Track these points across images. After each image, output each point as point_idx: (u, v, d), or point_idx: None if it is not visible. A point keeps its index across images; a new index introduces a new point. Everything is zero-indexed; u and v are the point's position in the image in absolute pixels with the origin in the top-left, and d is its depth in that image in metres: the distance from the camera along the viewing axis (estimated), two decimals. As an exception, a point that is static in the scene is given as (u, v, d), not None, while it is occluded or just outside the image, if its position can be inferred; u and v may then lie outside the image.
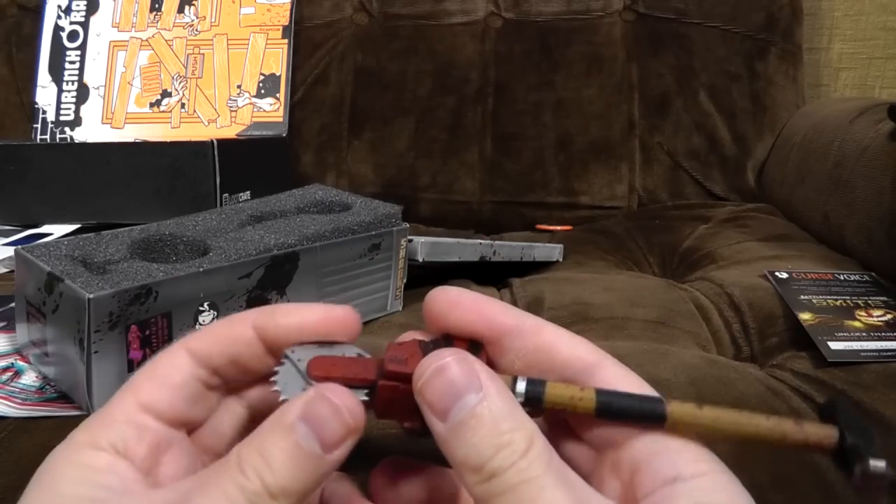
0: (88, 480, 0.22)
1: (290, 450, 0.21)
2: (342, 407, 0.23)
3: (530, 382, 0.24)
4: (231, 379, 0.27)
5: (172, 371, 0.25)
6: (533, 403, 0.24)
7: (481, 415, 0.22)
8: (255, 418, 0.27)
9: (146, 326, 0.42)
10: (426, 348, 0.25)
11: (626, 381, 0.25)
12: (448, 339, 0.27)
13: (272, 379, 0.25)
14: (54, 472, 0.23)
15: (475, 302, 0.27)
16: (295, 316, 0.26)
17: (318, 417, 0.22)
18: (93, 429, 0.24)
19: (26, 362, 0.47)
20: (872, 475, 0.22)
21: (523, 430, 0.22)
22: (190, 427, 0.26)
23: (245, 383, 0.27)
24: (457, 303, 0.27)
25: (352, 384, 0.24)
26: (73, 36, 1.02)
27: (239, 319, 0.26)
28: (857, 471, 0.23)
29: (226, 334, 0.26)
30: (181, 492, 0.22)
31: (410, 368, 0.24)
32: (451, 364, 0.23)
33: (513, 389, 0.24)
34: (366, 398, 0.24)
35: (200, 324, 0.45)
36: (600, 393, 0.24)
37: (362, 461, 0.25)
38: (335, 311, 0.26)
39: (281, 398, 0.24)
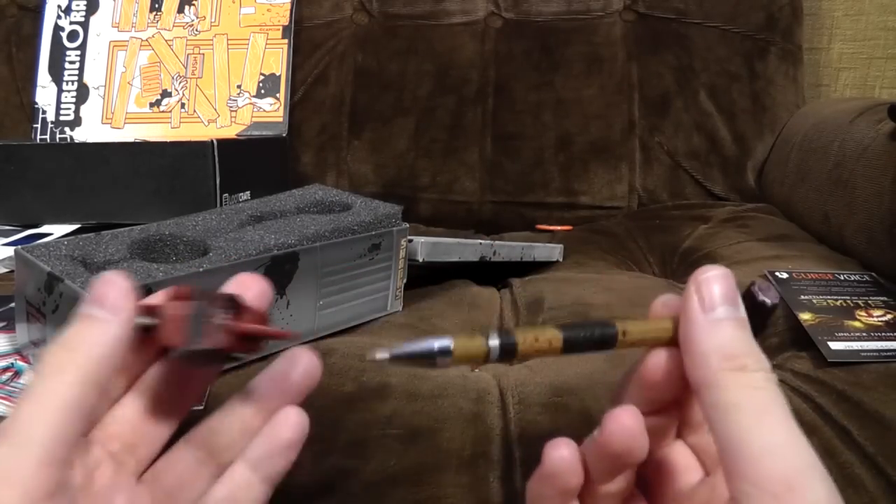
0: None
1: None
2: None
3: (502, 335, 0.27)
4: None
5: None
6: (508, 355, 0.27)
7: (745, 323, 0.26)
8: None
9: (146, 326, 0.42)
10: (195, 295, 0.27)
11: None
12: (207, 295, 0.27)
13: None
14: None
15: None
16: None
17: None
18: None
19: (26, 362, 0.47)
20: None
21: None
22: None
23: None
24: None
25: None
26: (72, 36, 1.02)
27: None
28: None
29: None
30: None
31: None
32: (731, 276, 0.27)
33: (487, 346, 0.26)
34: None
35: (200, 324, 0.45)
36: (563, 329, 0.27)
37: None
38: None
39: None
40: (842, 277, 0.61)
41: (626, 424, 0.26)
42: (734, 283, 0.27)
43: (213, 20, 1.01)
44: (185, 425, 0.30)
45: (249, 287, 0.29)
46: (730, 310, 0.26)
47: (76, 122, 1.00)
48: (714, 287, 0.26)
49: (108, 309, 0.25)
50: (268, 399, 0.29)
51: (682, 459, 0.30)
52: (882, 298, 0.56)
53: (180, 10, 1.02)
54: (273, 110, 0.99)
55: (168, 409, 0.29)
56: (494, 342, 0.26)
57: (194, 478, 0.29)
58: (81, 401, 0.24)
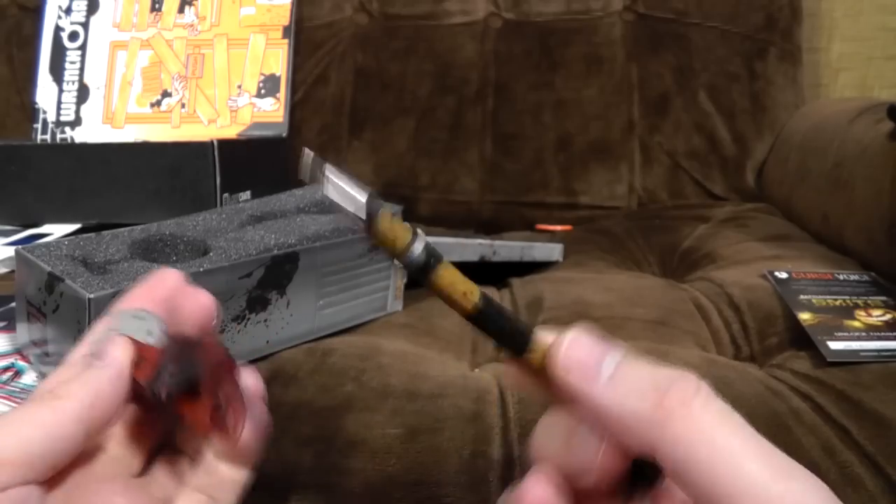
0: None
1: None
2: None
3: (430, 249, 0.25)
4: None
5: None
6: (424, 267, 0.25)
7: (630, 358, 0.23)
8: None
9: (147, 326, 0.42)
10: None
11: None
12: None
13: None
14: None
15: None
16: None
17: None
18: None
19: (27, 362, 0.47)
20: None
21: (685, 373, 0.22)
22: None
23: None
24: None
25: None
26: (73, 36, 1.02)
27: None
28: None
29: None
30: None
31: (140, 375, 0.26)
32: (579, 331, 0.24)
33: (412, 237, 0.24)
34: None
35: (201, 324, 0.45)
36: (485, 300, 0.25)
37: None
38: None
39: None
40: (841, 277, 0.61)
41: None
42: (586, 332, 0.24)
43: (213, 20, 1.01)
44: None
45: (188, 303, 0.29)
46: (609, 361, 0.23)
47: (77, 122, 1.00)
48: (578, 355, 0.23)
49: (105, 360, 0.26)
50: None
51: None
52: (881, 298, 0.57)
53: (180, 11, 1.02)
54: (273, 110, 0.99)
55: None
56: (420, 244, 0.24)
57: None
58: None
